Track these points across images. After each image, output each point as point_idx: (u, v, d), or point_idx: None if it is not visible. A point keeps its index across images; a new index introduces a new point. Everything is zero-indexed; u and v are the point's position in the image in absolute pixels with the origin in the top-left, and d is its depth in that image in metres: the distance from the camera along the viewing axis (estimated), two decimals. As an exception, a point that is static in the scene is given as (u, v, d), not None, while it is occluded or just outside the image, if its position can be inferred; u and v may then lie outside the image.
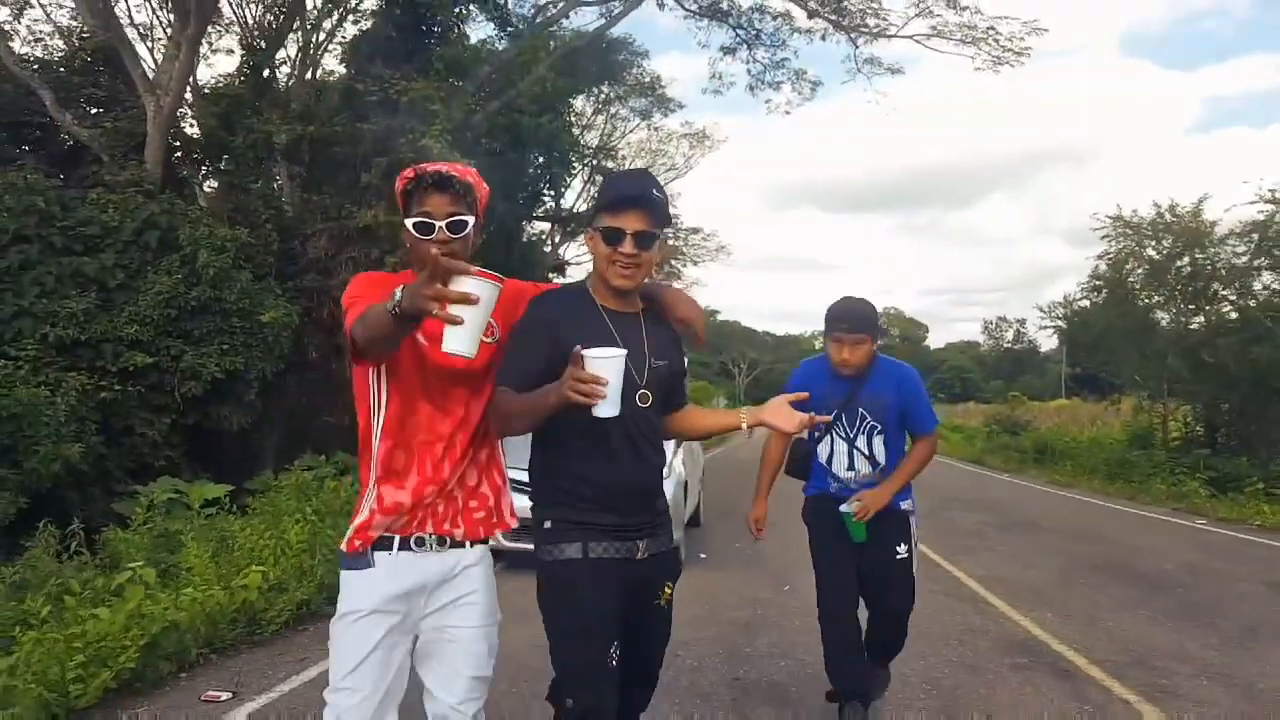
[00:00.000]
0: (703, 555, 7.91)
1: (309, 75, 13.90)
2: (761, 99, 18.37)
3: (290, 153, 12.05)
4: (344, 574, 2.09)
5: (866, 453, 3.51)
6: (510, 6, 15.05)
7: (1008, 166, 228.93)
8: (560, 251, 25.45)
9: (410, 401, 2.07)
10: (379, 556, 2.05)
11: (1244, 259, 17.05)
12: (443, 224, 2.03)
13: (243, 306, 10.32)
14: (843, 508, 3.42)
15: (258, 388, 10.68)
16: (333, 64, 14.64)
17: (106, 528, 6.82)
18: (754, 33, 17.27)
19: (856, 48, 16.69)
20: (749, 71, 18.02)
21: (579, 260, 27.31)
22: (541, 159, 19.76)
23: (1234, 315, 17.60)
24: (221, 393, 10.29)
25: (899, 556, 3.54)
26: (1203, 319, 18.21)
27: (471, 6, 13.86)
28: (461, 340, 1.72)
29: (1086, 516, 12.45)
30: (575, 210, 24.58)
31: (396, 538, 2.06)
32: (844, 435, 3.53)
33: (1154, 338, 18.61)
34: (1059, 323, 22.37)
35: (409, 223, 2.06)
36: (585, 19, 16.78)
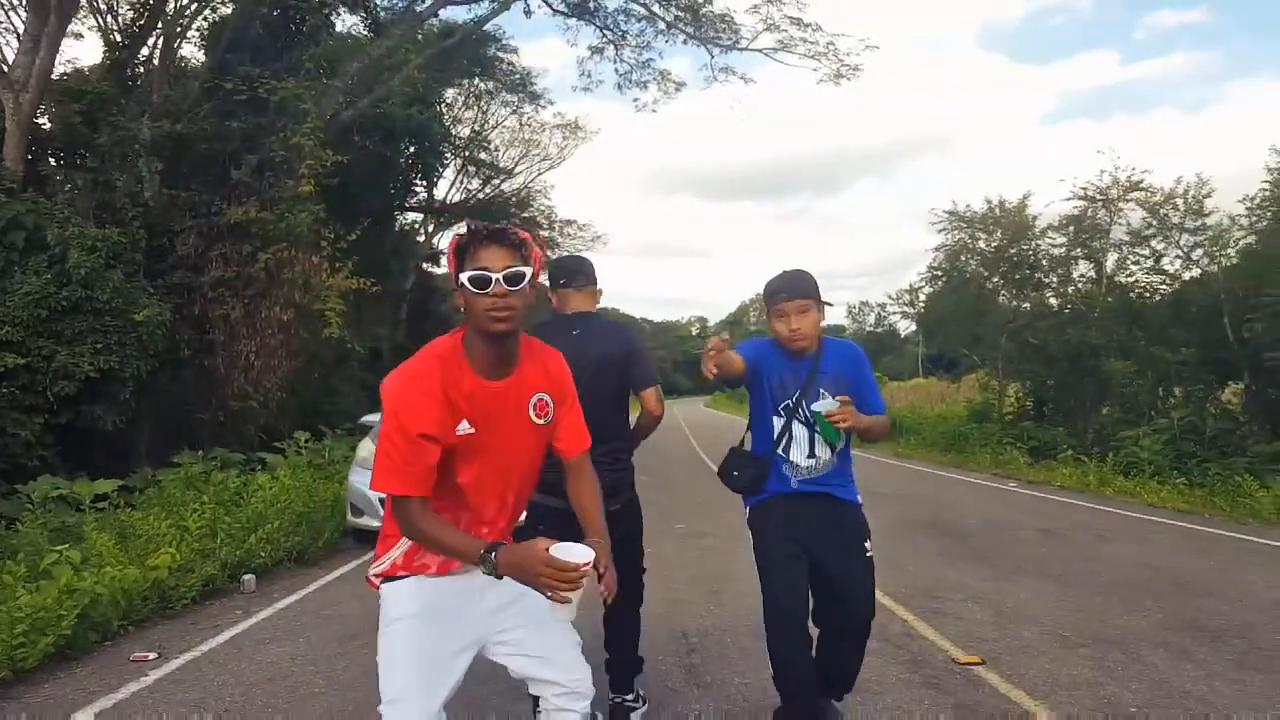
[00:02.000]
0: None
1: (169, 64, 13.78)
2: (629, 98, 19.27)
3: (156, 149, 12.04)
4: (384, 588, 2.19)
5: (827, 451, 3.24)
6: (378, 2, 15.29)
7: (874, 155, 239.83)
8: (434, 241, 25.60)
9: (453, 499, 2.15)
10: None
11: (1062, 249, 19.15)
12: (499, 276, 1.99)
13: (115, 305, 10.35)
14: (816, 405, 3.08)
15: (132, 386, 10.74)
16: (191, 50, 14.55)
17: (-6, 527, 7.03)
18: (620, 34, 18.12)
19: (712, 57, 17.87)
20: (616, 71, 18.89)
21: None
22: (413, 149, 19.96)
23: (1054, 301, 19.71)
24: (95, 391, 10.32)
25: (868, 554, 3.25)
26: (1029, 304, 20.25)
27: (341, 9, 14.06)
28: (570, 610, 1.96)
29: (918, 484, 13.89)
30: (448, 200, 24.76)
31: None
32: (804, 419, 3.21)
33: (987, 322, 20.50)
34: (907, 308, 24.25)
35: (464, 278, 2.00)
36: (454, 12, 17.17)
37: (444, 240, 25.62)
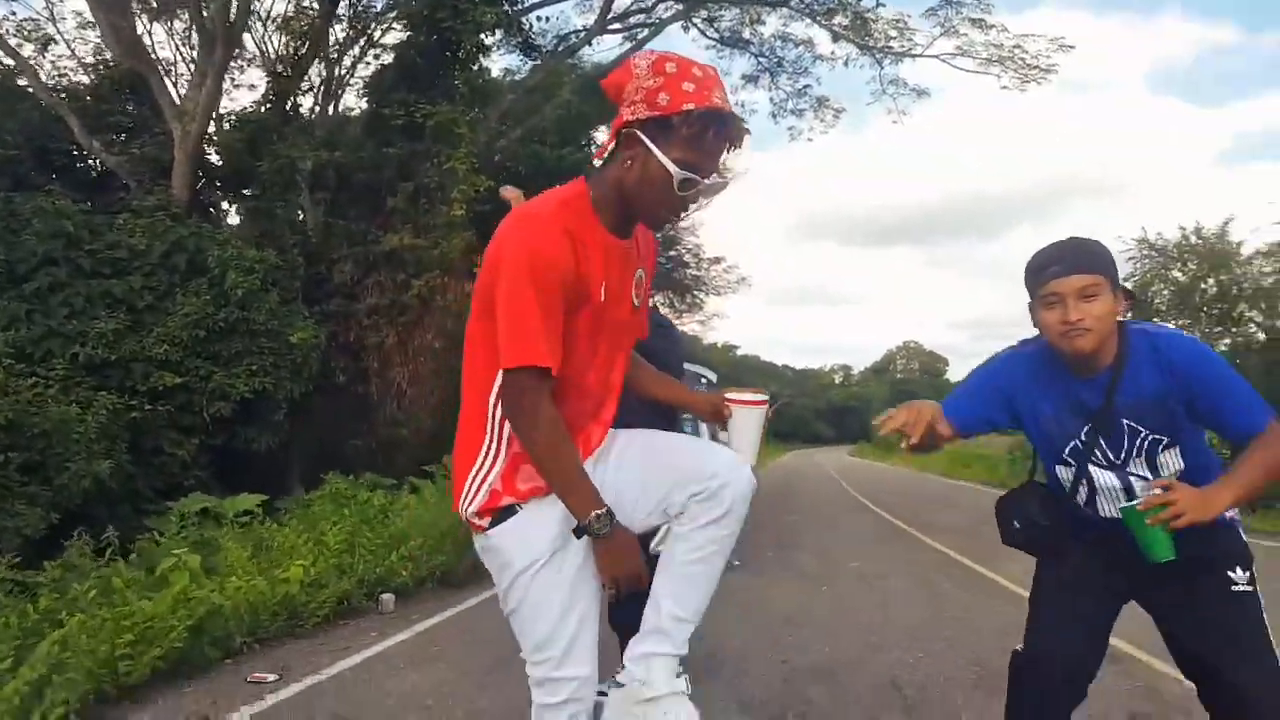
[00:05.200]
0: (736, 562, 7.76)
1: (331, 108, 14.13)
2: (784, 126, 18.52)
3: (315, 179, 12.18)
4: (491, 535, 1.74)
5: (1150, 478, 2.10)
6: (533, 30, 15.24)
7: (1034, 198, 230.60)
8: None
9: (583, 372, 1.76)
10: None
11: (1270, 279, 17.02)
12: (708, 181, 1.66)
13: (271, 327, 10.33)
14: (1127, 504, 2.01)
15: (286, 409, 10.67)
16: (353, 99, 14.88)
17: (140, 538, 6.78)
18: (776, 60, 17.43)
19: (881, 68, 16.81)
20: (771, 99, 18.19)
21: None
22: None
23: (1261, 336, 17.49)
24: (250, 413, 10.28)
25: (1235, 588, 2.06)
26: (1229, 341, 18.09)
27: (497, 31, 14.01)
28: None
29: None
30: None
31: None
32: (1105, 462, 2.14)
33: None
34: (1083, 349, 22.22)
35: (668, 159, 1.61)
36: (608, 46, 17.01)
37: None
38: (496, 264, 1.64)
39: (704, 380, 9.18)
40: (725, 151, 1.67)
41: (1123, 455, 2.10)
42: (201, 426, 9.96)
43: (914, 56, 16.33)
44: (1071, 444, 2.14)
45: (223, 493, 9.91)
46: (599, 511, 1.62)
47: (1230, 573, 2.04)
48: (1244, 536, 2.12)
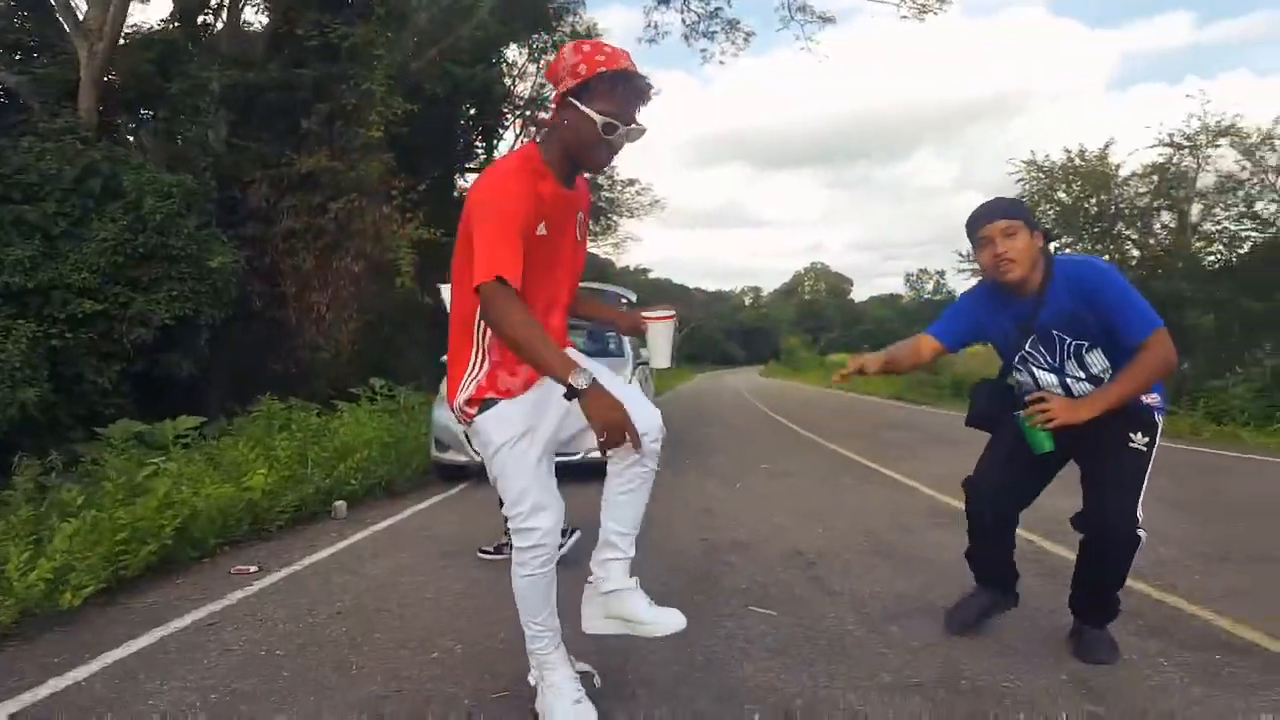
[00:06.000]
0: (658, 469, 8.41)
1: (237, 15, 13.67)
2: (697, 49, 18.73)
3: (226, 99, 11.94)
4: (480, 418, 2.25)
5: (1084, 375, 2.77)
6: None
7: (936, 120, 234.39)
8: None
9: (533, 296, 2.17)
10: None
11: (1145, 200, 18.24)
12: (626, 129, 2.13)
13: (190, 252, 10.27)
14: (1016, 413, 2.79)
15: (208, 334, 10.71)
16: (252, 14, 14.40)
17: (77, 465, 6.95)
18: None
19: (787, -7, 17.14)
20: (684, 21, 18.34)
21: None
22: (474, 110, 19.69)
23: (1136, 253, 18.83)
24: (172, 340, 10.29)
25: (1131, 445, 2.70)
26: (1108, 258, 19.41)
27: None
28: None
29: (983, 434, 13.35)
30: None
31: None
32: (1047, 365, 2.82)
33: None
34: (974, 265, 23.42)
35: (594, 111, 2.09)
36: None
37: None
38: (472, 208, 2.11)
39: (624, 300, 9.72)
40: (638, 103, 2.15)
41: (1058, 359, 2.76)
42: (122, 354, 9.95)
43: (820, -15, 16.74)
44: (1019, 353, 2.84)
45: (145, 420, 10.00)
46: (578, 371, 1.95)
47: (1131, 434, 2.70)
48: (1157, 419, 2.77)
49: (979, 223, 2.73)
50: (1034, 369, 2.83)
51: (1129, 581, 2.86)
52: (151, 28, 12.74)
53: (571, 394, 1.96)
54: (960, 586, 3.43)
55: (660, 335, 2.60)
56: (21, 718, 2.58)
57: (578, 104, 2.10)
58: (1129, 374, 2.60)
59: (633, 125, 2.15)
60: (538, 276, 2.18)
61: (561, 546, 2.69)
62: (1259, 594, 3.60)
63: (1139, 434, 2.71)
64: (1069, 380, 2.78)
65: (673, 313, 2.63)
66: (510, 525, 2.29)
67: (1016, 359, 2.86)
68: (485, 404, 2.25)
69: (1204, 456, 9.08)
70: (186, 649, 3.15)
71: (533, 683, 2.40)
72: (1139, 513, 2.67)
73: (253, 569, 4.35)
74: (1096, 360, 2.73)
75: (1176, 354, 2.63)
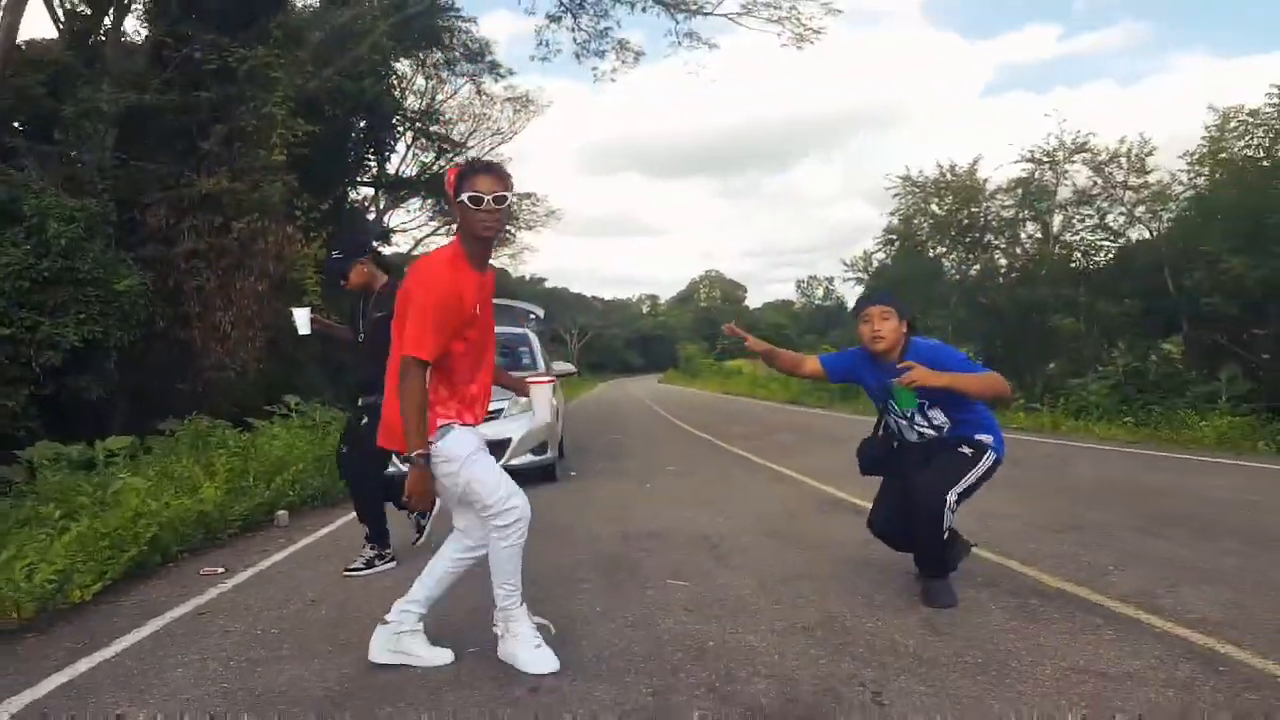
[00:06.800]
0: (573, 473, 9.13)
1: (120, 33, 13.56)
2: (588, 66, 19.46)
3: (117, 120, 11.93)
4: (446, 440, 2.87)
5: (928, 424, 3.68)
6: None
7: (820, 131, 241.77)
8: (385, 219, 25.51)
9: (461, 374, 2.97)
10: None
11: (1011, 212, 19.95)
12: (490, 198, 2.80)
13: (96, 276, 10.41)
14: (891, 380, 3.52)
15: (115, 357, 10.81)
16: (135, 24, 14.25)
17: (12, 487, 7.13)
18: (579, 2, 18.30)
19: (677, 23, 18.18)
20: (574, 39, 19.10)
21: (404, 227, 27.33)
22: (365, 124, 19.87)
23: (1004, 262, 20.53)
24: (80, 363, 10.38)
25: (959, 450, 3.61)
26: (979, 267, 21.04)
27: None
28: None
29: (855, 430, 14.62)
30: (400, 175, 24.64)
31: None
32: (901, 415, 3.72)
33: (939, 284, 21.22)
34: (860, 274, 24.91)
35: (464, 197, 2.80)
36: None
37: (395, 217, 25.70)
38: (411, 291, 2.83)
39: (533, 315, 10.34)
40: (487, 176, 2.83)
41: (908, 410, 3.66)
42: (31, 377, 10.00)
43: (705, 14, 17.86)
44: (884, 403, 3.77)
45: (53, 442, 10.04)
46: (422, 452, 2.76)
47: (960, 448, 3.62)
48: (987, 449, 3.62)
49: (865, 304, 3.65)
50: (893, 418, 3.78)
51: (976, 550, 3.99)
52: (43, 39, 12.61)
53: (404, 460, 2.80)
54: (836, 560, 4.53)
55: (542, 393, 3.54)
56: (70, 688, 3.10)
57: (456, 199, 2.85)
58: (971, 374, 3.50)
59: (495, 193, 2.81)
60: (480, 339, 2.99)
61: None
62: (1072, 555, 4.62)
63: (967, 447, 3.60)
64: (918, 427, 3.70)
65: (550, 377, 3.72)
66: (491, 512, 2.93)
67: (883, 410, 3.83)
68: (443, 430, 2.88)
69: (1057, 448, 10.42)
70: (191, 633, 3.72)
71: (498, 634, 3.08)
72: (950, 497, 3.54)
73: (220, 570, 4.88)
74: (938, 415, 3.63)
75: (1011, 392, 3.76)
